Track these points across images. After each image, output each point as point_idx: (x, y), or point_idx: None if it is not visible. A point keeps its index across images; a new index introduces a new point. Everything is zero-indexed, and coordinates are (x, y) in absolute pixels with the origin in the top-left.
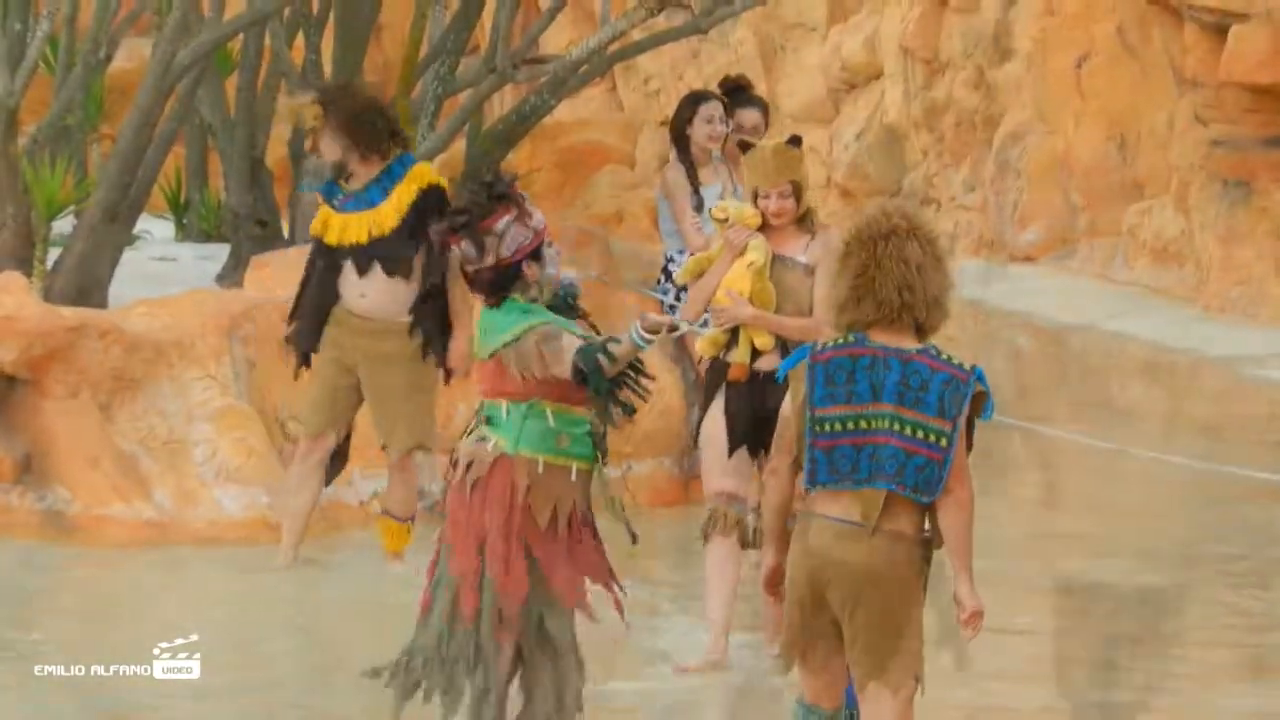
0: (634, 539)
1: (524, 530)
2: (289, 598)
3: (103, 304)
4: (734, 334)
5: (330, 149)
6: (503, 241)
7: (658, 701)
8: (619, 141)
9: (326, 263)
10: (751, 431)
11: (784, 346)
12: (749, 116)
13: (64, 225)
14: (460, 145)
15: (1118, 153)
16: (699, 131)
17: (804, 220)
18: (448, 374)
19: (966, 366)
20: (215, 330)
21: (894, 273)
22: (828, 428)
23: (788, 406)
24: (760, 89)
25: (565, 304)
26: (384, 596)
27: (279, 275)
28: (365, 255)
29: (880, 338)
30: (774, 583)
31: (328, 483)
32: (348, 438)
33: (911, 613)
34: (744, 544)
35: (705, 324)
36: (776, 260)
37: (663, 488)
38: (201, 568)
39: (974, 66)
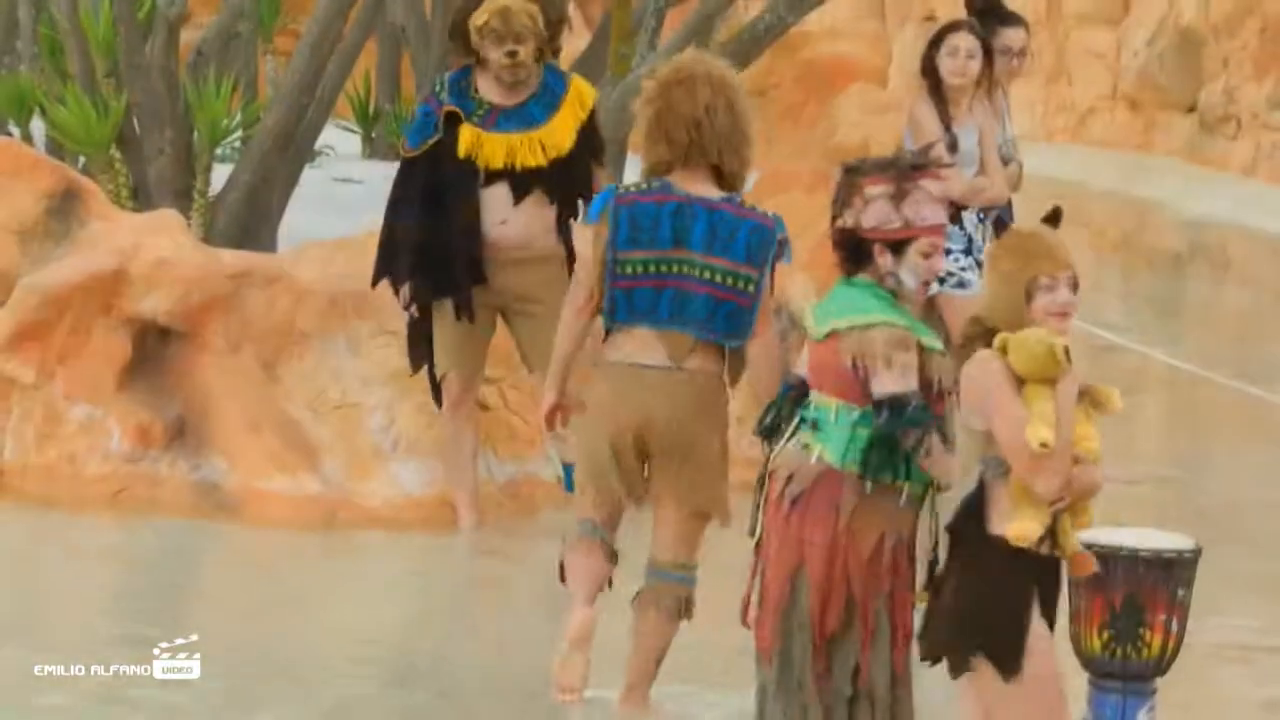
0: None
1: (847, 559)
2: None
3: (271, 244)
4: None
5: (528, 52)
6: (866, 210)
7: None
8: (870, 54)
9: (464, 187)
10: None
11: None
12: (1016, 37)
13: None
14: None
15: None
16: (944, 65)
17: None
18: None
19: (770, 215)
20: None
21: (684, 113)
22: (629, 269)
23: (587, 248)
24: None
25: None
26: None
27: None
28: (530, 180)
29: (683, 184)
30: (552, 420)
31: None
32: None
33: (716, 443)
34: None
35: None
36: None
37: None
38: (374, 553)
39: None
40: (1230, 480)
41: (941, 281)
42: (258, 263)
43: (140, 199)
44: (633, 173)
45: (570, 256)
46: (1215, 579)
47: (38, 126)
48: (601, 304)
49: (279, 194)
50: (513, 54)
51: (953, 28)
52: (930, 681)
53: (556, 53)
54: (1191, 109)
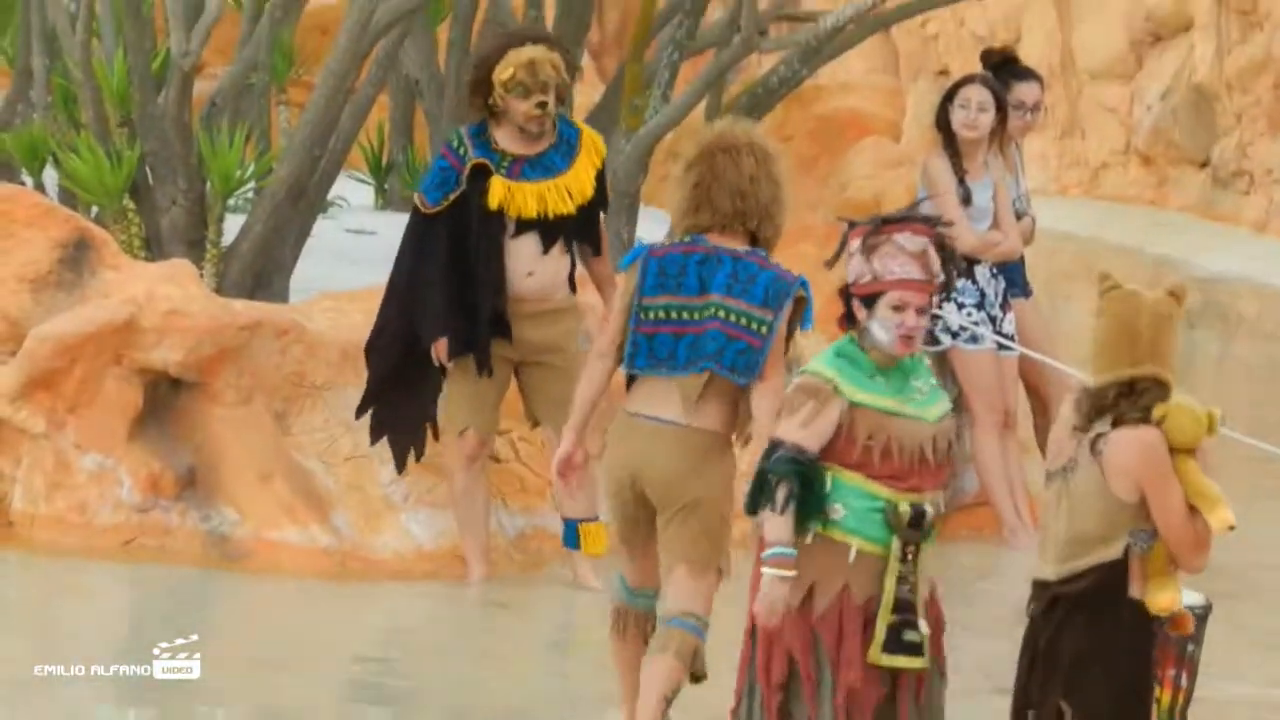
0: None
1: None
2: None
3: (284, 294)
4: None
5: (554, 102)
6: (849, 265)
7: None
8: (883, 109)
9: (491, 241)
10: None
11: None
12: (1030, 91)
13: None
14: (698, 117)
15: None
16: (956, 118)
17: None
18: None
19: (794, 273)
20: None
21: (729, 182)
22: (651, 315)
23: (622, 299)
24: (1053, 40)
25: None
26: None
27: None
28: (558, 228)
29: (716, 241)
30: (564, 467)
31: None
32: None
33: (718, 499)
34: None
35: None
36: None
37: None
38: (384, 604)
39: None
40: (1242, 536)
41: (954, 336)
42: (270, 313)
43: (153, 249)
44: (646, 223)
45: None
46: (1227, 636)
47: (50, 176)
48: (624, 350)
49: (291, 245)
50: (542, 105)
51: (966, 81)
52: None
53: (565, 104)
54: (1204, 164)
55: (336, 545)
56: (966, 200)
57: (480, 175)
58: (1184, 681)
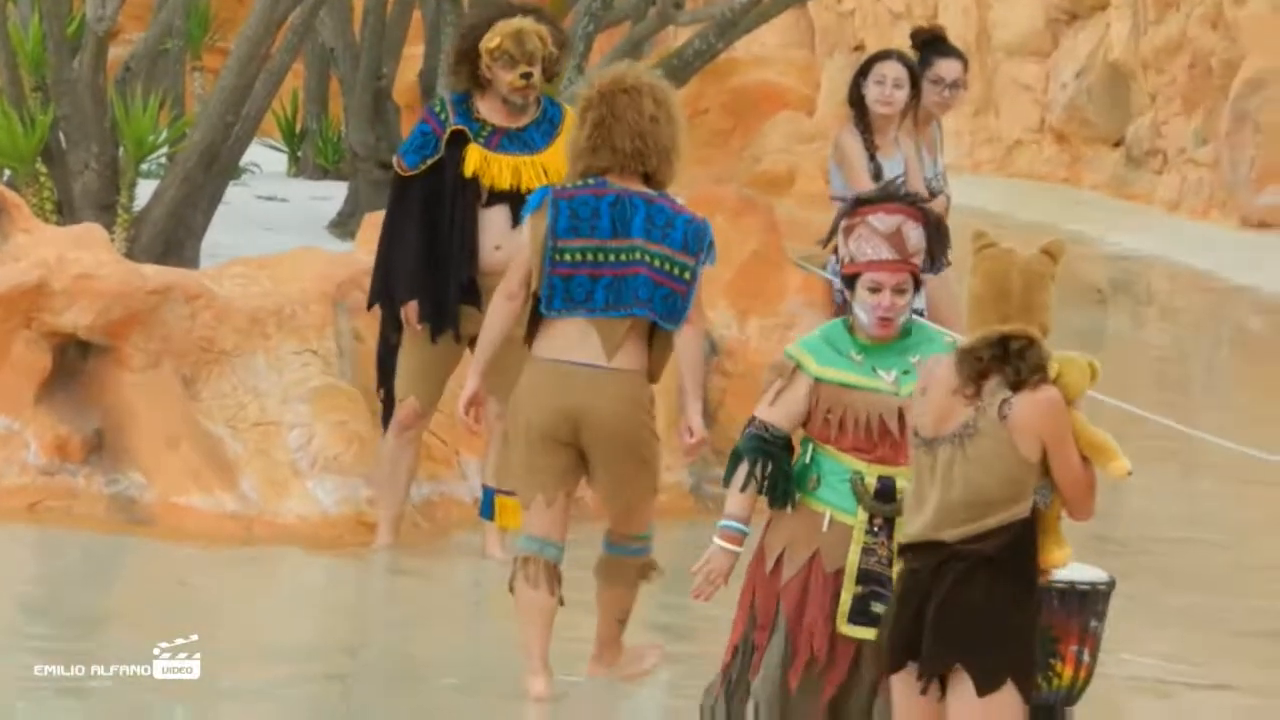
0: None
1: (754, 572)
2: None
3: (194, 260)
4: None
5: (539, 74)
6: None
7: None
8: (798, 83)
9: (465, 207)
10: None
11: None
12: (950, 68)
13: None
14: None
15: None
16: (870, 94)
17: None
18: None
19: (700, 215)
20: (319, 298)
21: (630, 122)
22: (568, 257)
23: (526, 239)
24: (970, 16)
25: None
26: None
27: None
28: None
29: (616, 183)
30: (469, 408)
31: None
32: None
33: (647, 435)
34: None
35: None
36: None
37: None
38: (288, 569)
39: (1213, 1)
40: (1145, 512)
41: None
42: (180, 279)
43: (65, 213)
44: None
45: None
46: (1129, 612)
47: None
48: (536, 292)
49: (203, 210)
50: (527, 75)
51: (880, 56)
52: None
53: (554, 79)
54: (1118, 143)
55: (243, 510)
56: (877, 176)
57: (459, 142)
58: (1086, 657)
